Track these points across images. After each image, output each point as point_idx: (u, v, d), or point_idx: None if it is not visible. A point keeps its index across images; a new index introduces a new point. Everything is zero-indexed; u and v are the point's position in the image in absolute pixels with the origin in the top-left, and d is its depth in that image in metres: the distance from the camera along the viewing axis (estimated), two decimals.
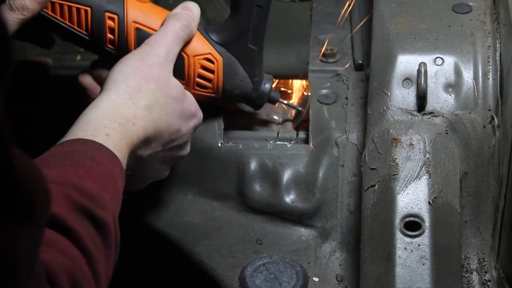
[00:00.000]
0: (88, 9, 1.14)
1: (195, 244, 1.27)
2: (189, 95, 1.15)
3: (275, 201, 1.29)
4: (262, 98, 1.26)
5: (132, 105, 1.05)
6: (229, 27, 1.21)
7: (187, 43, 1.18)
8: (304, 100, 1.35)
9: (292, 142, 1.33)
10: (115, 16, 1.15)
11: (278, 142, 1.33)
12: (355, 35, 1.48)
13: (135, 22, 1.16)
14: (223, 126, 1.33)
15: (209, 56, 1.20)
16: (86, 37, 1.16)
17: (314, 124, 1.33)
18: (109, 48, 1.17)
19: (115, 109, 1.04)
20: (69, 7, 1.14)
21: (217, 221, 1.30)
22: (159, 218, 1.31)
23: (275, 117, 1.37)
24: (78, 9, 1.14)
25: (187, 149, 1.18)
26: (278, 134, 1.35)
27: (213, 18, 1.52)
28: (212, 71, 1.20)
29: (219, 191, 1.32)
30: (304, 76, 1.35)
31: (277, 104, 1.31)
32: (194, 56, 1.19)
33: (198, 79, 1.20)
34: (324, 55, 1.45)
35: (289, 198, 1.29)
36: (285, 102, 1.34)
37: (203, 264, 1.24)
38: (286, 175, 1.29)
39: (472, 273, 1.18)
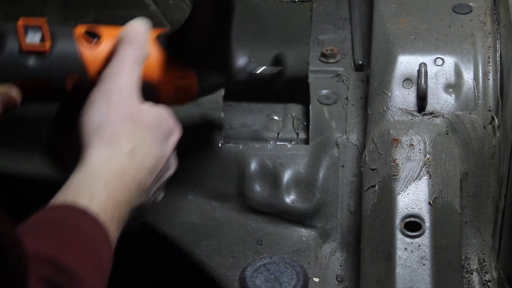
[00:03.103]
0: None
1: (195, 244, 1.27)
2: (162, 112, 1.06)
3: (275, 201, 1.29)
4: (242, 79, 1.18)
5: (115, 155, 0.98)
6: (186, 29, 1.12)
7: (151, 68, 1.09)
8: (276, 60, 1.27)
9: (292, 143, 1.34)
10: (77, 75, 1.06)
11: (278, 143, 1.33)
12: (355, 36, 1.48)
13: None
14: (223, 126, 1.33)
15: (186, 82, 1.12)
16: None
17: (314, 124, 1.33)
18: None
19: (98, 166, 0.97)
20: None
21: (217, 221, 1.30)
22: (159, 218, 1.31)
23: (275, 117, 1.37)
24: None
25: (174, 166, 1.10)
26: (278, 135, 1.35)
27: None
28: (186, 86, 1.13)
29: (219, 191, 1.32)
30: (304, 77, 1.35)
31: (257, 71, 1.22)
32: (164, 82, 1.10)
33: (174, 97, 1.13)
34: (324, 55, 1.45)
35: (289, 199, 1.29)
36: (260, 70, 1.23)
37: (203, 265, 1.24)
38: (286, 175, 1.29)
39: (472, 273, 1.18)
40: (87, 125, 1.00)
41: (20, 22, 1.03)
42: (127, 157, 0.99)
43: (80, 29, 1.07)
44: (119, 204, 0.95)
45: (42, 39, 1.03)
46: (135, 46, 1.05)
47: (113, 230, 0.94)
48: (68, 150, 1.05)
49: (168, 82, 1.11)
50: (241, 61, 1.17)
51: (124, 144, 0.99)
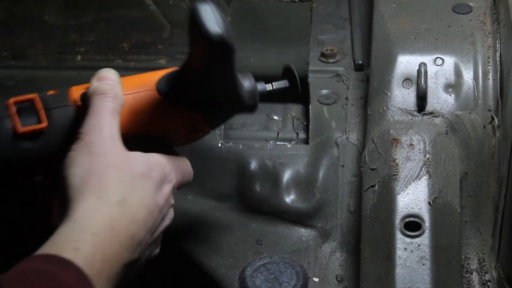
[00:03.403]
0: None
1: (195, 244, 1.27)
2: (153, 159, 1.01)
3: (275, 201, 1.29)
4: (254, 104, 1.12)
5: (104, 205, 0.93)
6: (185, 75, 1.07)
7: (157, 121, 1.06)
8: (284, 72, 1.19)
9: (292, 143, 1.34)
10: None
11: (278, 143, 1.34)
12: (355, 36, 1.48)
13: None
14: (223, 126, 1.33)
15: (194, 125, 1.09)
16: None
17: (314, 124, 1.33)
18: None
19: (85, 217, 0.91)
20: None
21: (217, 221, 1.30)
22: None
23: (275, 117, 1.37)
24: None
25: (170, 216, 1.04)
26: (278, 134, 1.35)
27: None
28: (195, 130, 1.10)
29: (219, 191, 1.32)
30: (304, 76, 1.35)
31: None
32: (172, 132, 1.08)
33: (185, 141, 1.12)
34: (324, 55, 1.45)
35: (289, 199, 1.29)
36: (271, 88, 1.15)
37: (203, 265, 1.24)
38: (286, 175, 1.29)
39: (472, 273, 1.18)
40: (71, 177, 0.96)
41: (11, 100, 1.01)
42: (116, 207, 0.93)
43: (75, 94, 1.04)
44: (109, 258, 0.90)
45: (38, 120, 1.01)
46: (110, 97, 1.01)
47: (101, 287, 0.87)
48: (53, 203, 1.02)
49: (177, 130, 1.08)
50: (247, 84, 1.11)
51: (113, 193, 0.94)
